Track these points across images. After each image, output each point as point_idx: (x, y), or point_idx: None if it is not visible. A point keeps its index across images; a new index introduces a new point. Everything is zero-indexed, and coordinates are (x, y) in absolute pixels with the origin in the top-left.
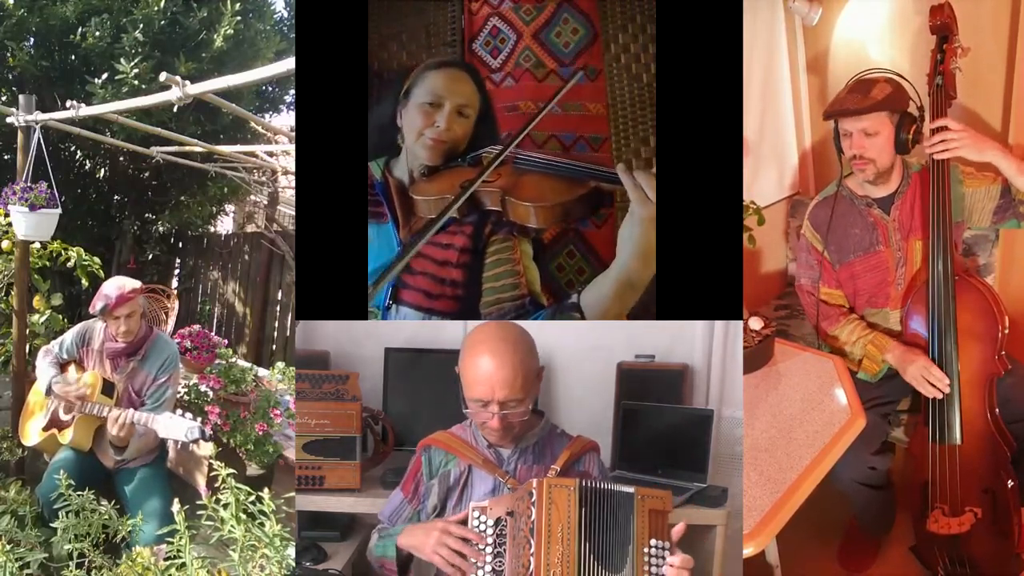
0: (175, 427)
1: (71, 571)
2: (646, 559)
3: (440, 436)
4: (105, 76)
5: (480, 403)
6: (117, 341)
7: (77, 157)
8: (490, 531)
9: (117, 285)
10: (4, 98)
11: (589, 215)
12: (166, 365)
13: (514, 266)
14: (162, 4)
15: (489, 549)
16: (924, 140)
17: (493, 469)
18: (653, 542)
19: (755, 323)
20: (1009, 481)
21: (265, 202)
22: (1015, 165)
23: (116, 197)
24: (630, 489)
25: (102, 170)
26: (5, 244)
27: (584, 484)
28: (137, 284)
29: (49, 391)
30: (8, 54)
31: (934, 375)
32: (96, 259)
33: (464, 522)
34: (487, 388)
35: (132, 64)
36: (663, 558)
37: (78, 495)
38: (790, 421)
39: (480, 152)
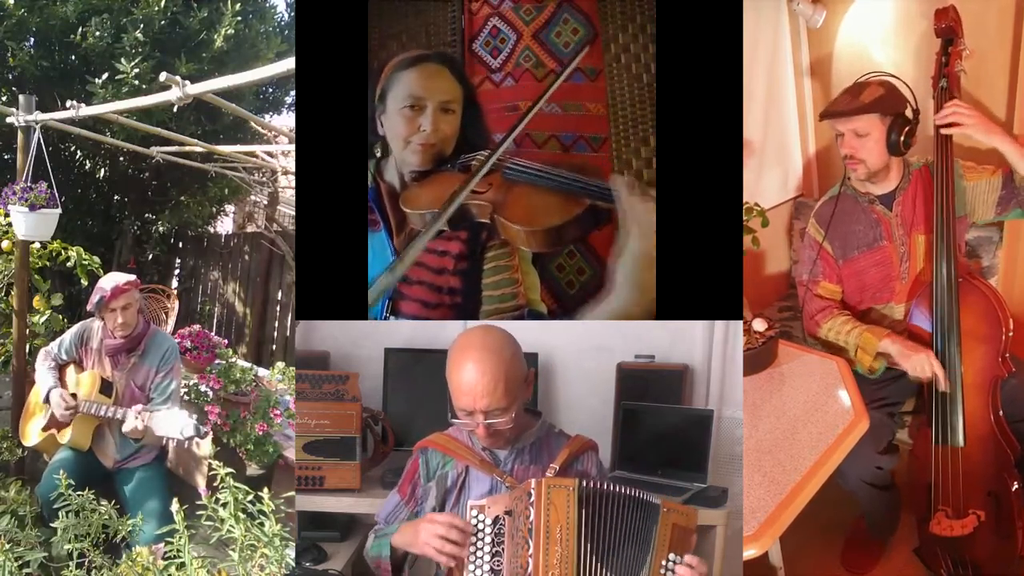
0: (171, 424)
1: (71, 571)
2: (663, 571)
3: (437, 438)
4: (105, 76)
5: (465, 412)
6: (115, 337)
7: (77, 157)
8: (488, 530)
9: (112, 278)
10: (4, 98)
11: (584, 236)
12: (166, 358)
13: (512, 274)
14: (162, 4)
15: (487, 548)
16: (917, 142)
17: (490, 469)
18: (672, 556)
19: (759, 324)
20: (1013, 484)
21: (265, 202)
22: (1019, 151)
23: (116, 197)
24: (656, 500)
25: (102, 170)
26: (5, 244)
27: (584, 484)
28: (132, 277)
29: (47, 399)
30: (8, 54)
31: (939, 376)
32: (96, 259)
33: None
34: (469, 398)
35: (132, 64)
36: None
37: (78, 495)
38: (793, 422)
39: (470, 158)
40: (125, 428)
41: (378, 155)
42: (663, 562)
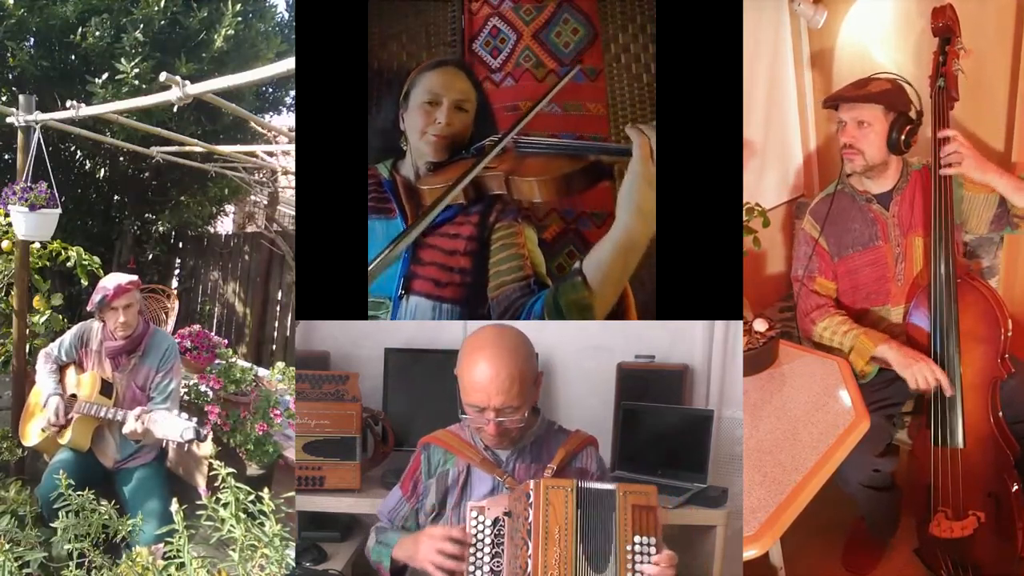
0: (171, 427)
1: (71, 571)
2: (630, 556)
3: (440, 434)
4: (105, 76)
5: (477, 409)
6: (116, 338)
7: (77, 157)
8: (488, 531)
9: (115, 278)
10: (4, 98)
11: (589, 187)
12: (166, 357)
13: (519, 250)
14: (162, 4)
15: (487, 549)
16: (917, 143)
17: (492, 469)
18: (637, 539)
19: (760, 325)
20: (1013, 485)
21: (265, 202)
22: (1012, 184)
23: (116, 197)
24: (611, 486)
25: (102, 170)
26: (5, 244)
27: (582, 485)
28: (134, 277)
29: (47, 404)
30: (8, 54)
31: (943, 383)
32: (96, 259)
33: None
34: (484, 395)
35: (132, 64)
36: (649, 555)
37: (78, 495)
38: (794, 423)
39: (483, 143)
40: (125, 430)
41: (403, 147)
42: (628, 546)
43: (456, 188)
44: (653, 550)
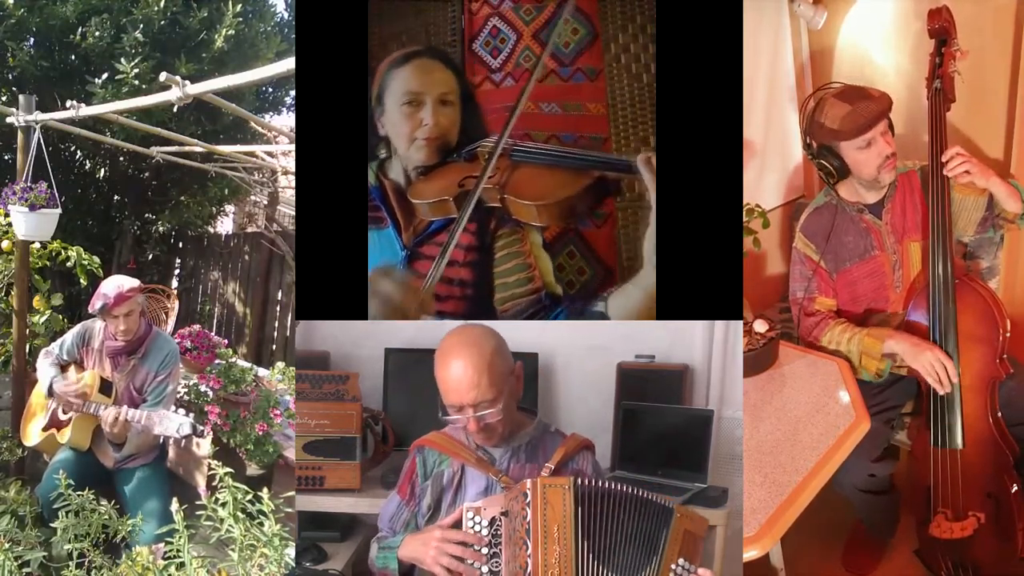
0: (167, 424)
1: (71, 571)
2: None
3: (433, 437)
4: (105, 76)
5: (455, 408)
6: (117, 340)
7: (77, 157)
8: (485, 531)
9: (116, 284)
10: (4, 98)
11: (595, 208)
12: (166, 362)
13: (525, 259)
14: (162, 4)
15: (485, 550)
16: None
17: (486, 468)
18: (681, 561)
19: (760, 326)
20: (1012, 485)
21: (265, 202)
22: (1009, 191)
23: (116, 197)
24: (671, 504)
25: (102, 170)
26: (5, 244)
27: (580, 483)
28: (135, 283)
29: (51, 392)
30: (8, 54)
31: (949, 369)
32: (96, 259)
33: (457, 523)
34: (456, 394)
35: (132, 64)
36: None
37: (78, 495)
38: (795, 424)
39: (475, 147)
40: (105, 430)
41: (382, 156)
42: (672, 566)
43: (464, 217)
44: None
